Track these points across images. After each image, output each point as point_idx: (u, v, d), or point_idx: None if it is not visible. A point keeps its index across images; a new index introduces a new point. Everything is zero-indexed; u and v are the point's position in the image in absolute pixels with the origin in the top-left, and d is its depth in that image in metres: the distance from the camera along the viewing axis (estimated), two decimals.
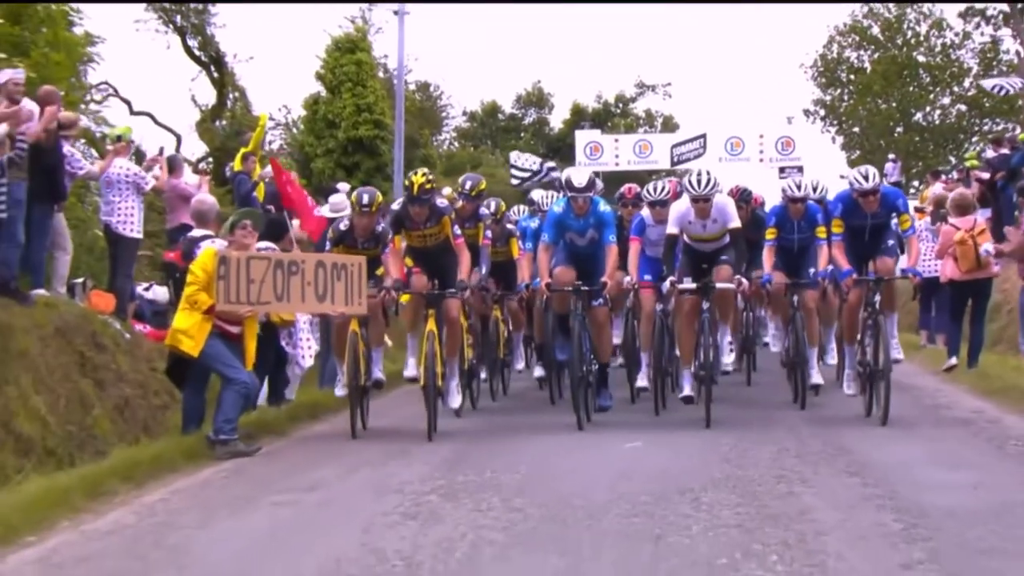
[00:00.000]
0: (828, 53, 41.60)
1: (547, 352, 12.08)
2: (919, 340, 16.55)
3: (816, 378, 11.24)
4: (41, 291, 10.82)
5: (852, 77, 41.36)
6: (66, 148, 11.24)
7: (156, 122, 21.42)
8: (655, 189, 11.77)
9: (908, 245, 10.58)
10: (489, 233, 11.98)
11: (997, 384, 11.40)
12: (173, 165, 13.63)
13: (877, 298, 10.25)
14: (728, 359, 11.09)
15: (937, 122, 40.68)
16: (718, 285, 10.41)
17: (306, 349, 12.24)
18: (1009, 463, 7.92)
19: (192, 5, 24.01)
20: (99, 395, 10.52)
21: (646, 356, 11.46)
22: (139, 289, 12.87)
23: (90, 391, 10.40)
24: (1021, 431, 9.06)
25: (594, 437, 9.64)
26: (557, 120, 47.81)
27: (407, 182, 10.57)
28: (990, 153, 20.46)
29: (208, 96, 27.97)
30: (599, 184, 12.98)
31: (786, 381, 12.08)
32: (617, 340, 12.34)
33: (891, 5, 40.61)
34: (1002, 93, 27.06)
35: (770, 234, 11.35)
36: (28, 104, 10.58)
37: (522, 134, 47.38)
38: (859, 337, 10.58)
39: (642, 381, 11.38)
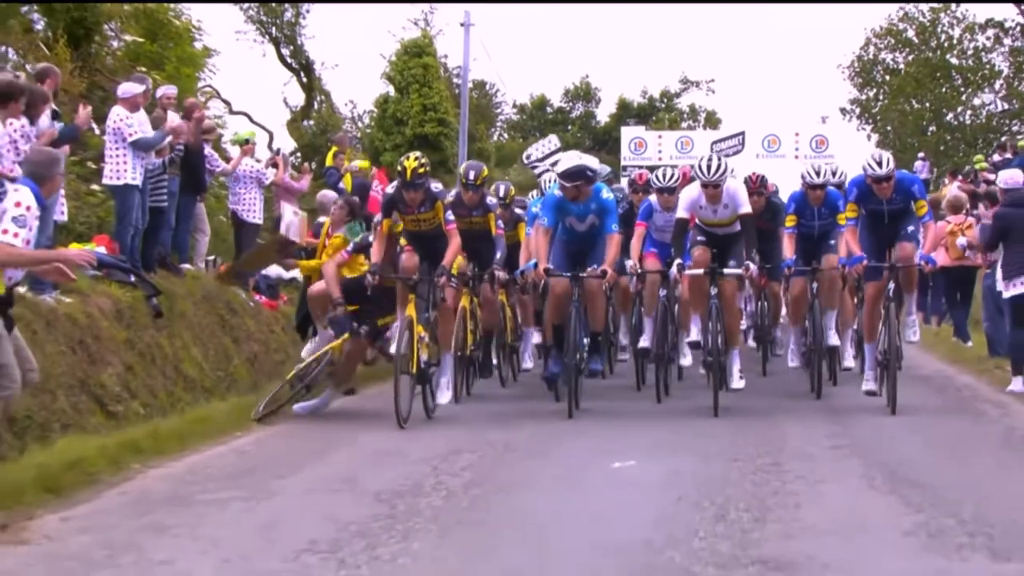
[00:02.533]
0: (864, 54, 43.60)
1: (566, 352, 10.56)
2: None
3: (848, 362, 11.70)
4: (188, 266, 13.44)
5: (887, 78, 43.38)
6: (207, 149, 13.85)
7: (252, 120, 24.09)
8: (663, 176, 11.63)
9: (924, 231, 10.43)
10: (501, 222, 11.78)
11: (953, 351, 13.79)
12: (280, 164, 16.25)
13: (891, 286, 10.19)
14: (737, 383, 10.54)
15: (968, 122, 42.61)
16: (726, 271, 10.40)
17: None
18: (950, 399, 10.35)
19: (286, 19, 26.85)
20: (236, 349, 13.12)
21: (650, 321, 11.52)
22: None
23: (230, 346, 13.01)
24: (967, 382, 11.63)
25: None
26: (604, 114, 48.93)
27: (400, 167, 10.45)
28: (996, 157, 22.70)
29: (297, 98, 30.91)
30: (605, 170, 13.34)
31: (803, 371, 11.94)
32: (624, 340, 12.54)
33: (925, 9, 42.62)
34: None
35: (790, 221, 11.25)
36: (173, 116, 13.16)
37: (569, 127, 48.45)
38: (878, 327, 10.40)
39: (645, 342, 11.52)
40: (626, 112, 46.44)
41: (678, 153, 34.45)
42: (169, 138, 12.32)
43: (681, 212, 10.58)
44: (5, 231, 7.02)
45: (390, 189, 10.81)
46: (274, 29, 27.40)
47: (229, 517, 6.38)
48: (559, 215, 10.63)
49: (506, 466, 7.80)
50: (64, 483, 6.95)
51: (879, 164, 10.17)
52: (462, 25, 27.65)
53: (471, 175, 11.50)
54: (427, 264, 10.54)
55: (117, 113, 11.91)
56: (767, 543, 5.48)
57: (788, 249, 11.07)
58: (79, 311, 10.46)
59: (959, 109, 42.49)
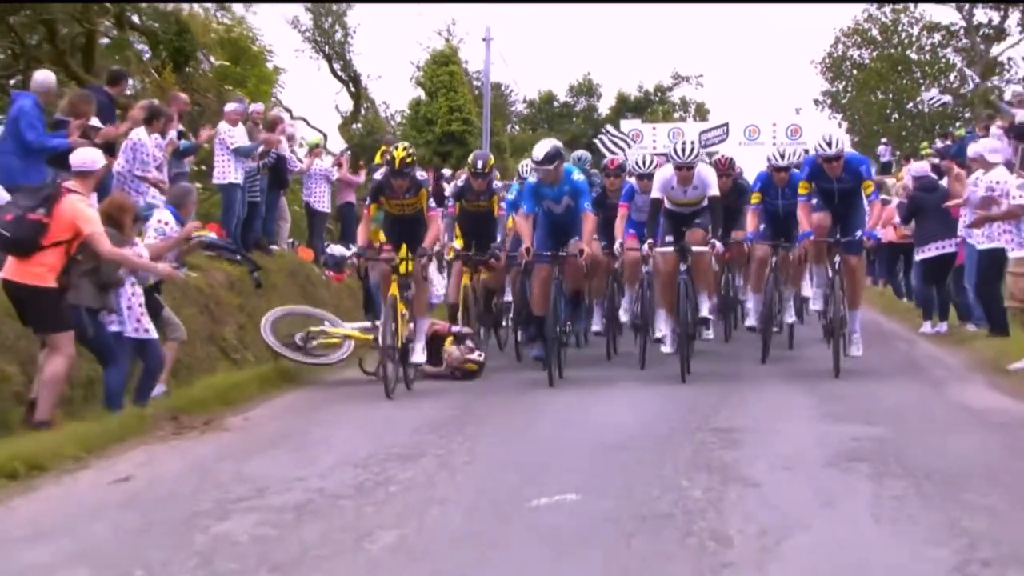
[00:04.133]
0: (834, 51, 45.47)
1: (547, 328, 10.30)
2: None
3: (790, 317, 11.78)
4: (275, 247, 15.55)
5: (855, 72, 45.27)
6: (287, 153, 15.94)
7: (308, 124, 26.37)
8: (643, 162, 11.80)
9: (870, 209, 10.33)
10: (504, 204, 12.10)
11: (888, 306, 15.89)
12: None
13: (837, 259, 10.23)
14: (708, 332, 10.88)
15: (926, 111, 44.44)
16: (694, 248, 10.36)
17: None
18: (875, 336, 12.41)
19: (336, 38, 29.22)
20: None
21: (630, 293, 11.78)
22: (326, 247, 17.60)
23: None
24: (892, 328, 13.71)
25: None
26: (604, 107, 50.07)
27: (389, 156, 10.42)
28: (939, 144, 24.65)
29: (347, 105, 33.92)
30: (578, 154, 13.52)
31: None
32: (598, 327, 12.14)
33: (887, 10, 44.45)
34: (937, 105, 31.06)
35: (755, 198, 11.36)
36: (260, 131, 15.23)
37: (574, 119, 50.01)
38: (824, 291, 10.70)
39: (624, 315, 11.83)
40: (624, 105, 47.85)
41: (670, 142, 36.13)
42: (262, 147, 14.42)
43: (656, 192, 10.59)
44: (144, 239, 9.25)
45: (378, 176, 10.69)
46: (327, 47, 29.75)
47: (359, 412, 8.56)
48: (538, 200, 10.73)
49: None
50: (233, 398, 9.09)
51: (828, 144, 10.11)
52: (484, 40, 29.92)
53: (479, 164, 11.78)
54: (408, 245, 10.21)
55: (222, 127, 14.02)
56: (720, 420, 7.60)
57: (752, 224, 11.24)
58: (203, 283, 12.56)
59: (918, 99, 44.30)
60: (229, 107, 14.30)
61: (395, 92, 56.33)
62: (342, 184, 17.71)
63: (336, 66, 30.74)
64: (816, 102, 45.51)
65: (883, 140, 37.80)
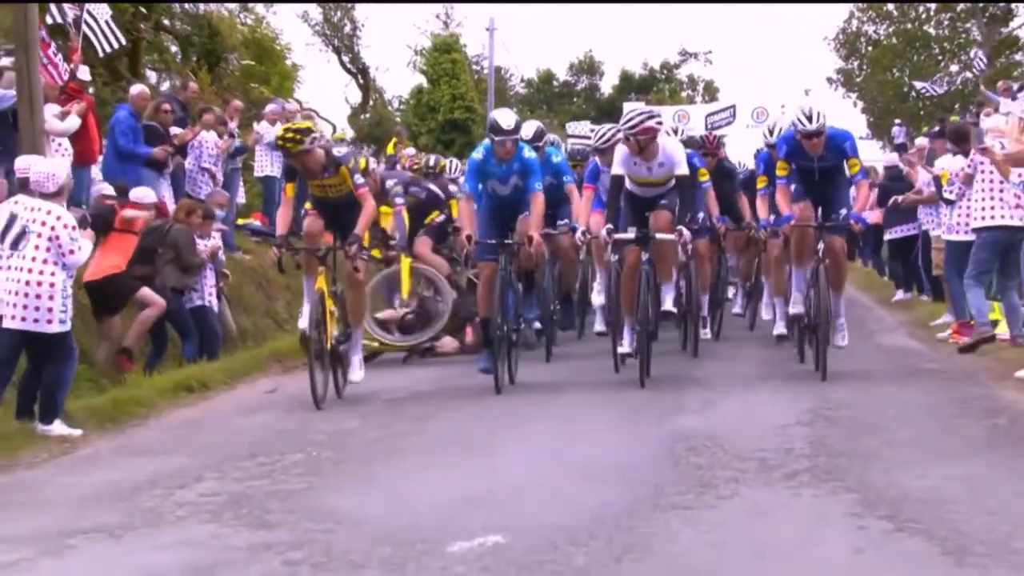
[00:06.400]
0: (848, 27, 49.28)
1: (491, 328, 10.15)
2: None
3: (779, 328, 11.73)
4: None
5: (869, 49, 49.02)
6: None
7: (319, 116, 30.41)
8: (600, 135, 11.70)
9: (857, 190, 10.33)
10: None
11: (867, 282, 19.83)
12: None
13: (821, 246, 10.12)
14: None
15: (939, 92, 48.06)
16: (657, 236, 10.01)
17: None
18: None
19: (345, 32, 33.40)
20: None
21: (603, 273, 11.62)
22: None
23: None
24: (865, 300, 17.54)
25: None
26: (607, 86, 51.09)
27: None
28: (937, 129, 28.50)
29: (356, 96, 38.09)
30: (551, 138, 13.16)
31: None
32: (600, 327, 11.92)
33: None
34: (926, 93, 34.93)
35: (761, 181, 11.01)
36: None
37: (575, 99, 51.06)
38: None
39: (599, 326, 11.74)
40: (628, 84, 49.01)
41: (675, 124, 39.72)
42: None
43: (616, 168, 10.24)
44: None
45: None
46: (336, 40, 33.85)
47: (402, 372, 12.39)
48: (481, 180, 10.48)
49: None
50: (286, 355, 12.89)
51: (809, 119, 9.89)
52: (487, 30, 34.08)
53: (431, 162, 14.53)
54: (338, 233, 10.09)
55: (262, 126, 17.93)
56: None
57: (762, 209, 11.05)
58: (256, 263, 16.51)
59: (935, 77, 48.01)
60: (268, 108, 18.23)
61: (399, 81, 59.99)
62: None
63: (345, 59, 34.99)
64: (829, 80, 49.18)
65: (896, 121, 40.74)
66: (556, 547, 5.31)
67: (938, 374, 10.36)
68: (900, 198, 15.10)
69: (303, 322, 9.87)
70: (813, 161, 10.13)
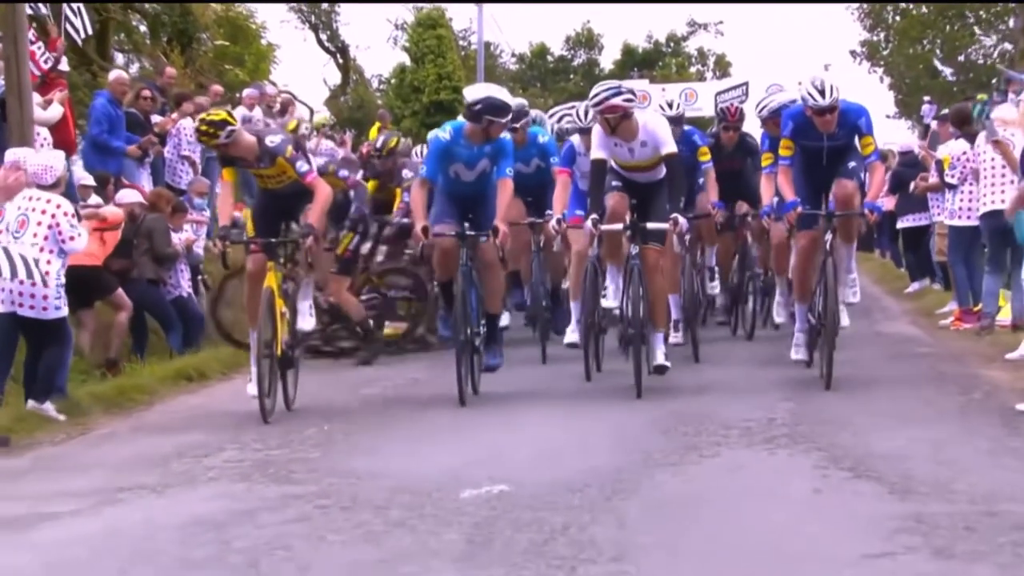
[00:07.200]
0: None
1: (454, 327, 10.46)
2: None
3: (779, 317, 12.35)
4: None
5: (897, 19, 50.39)
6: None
7: (296, 98, 32.02)
8: (584, 114, 11.60)
9: (871, 173, 10.38)
10: (407, 196, 12.75)
11: (881, 272, 21.54)
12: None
13: (829, 237, 10.16)
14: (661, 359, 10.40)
15: (981, 62, 49.55)
16: (649, 226, 10.12)
17: None
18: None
19: (323, 7, 35.06)
20: None
21: (576, 306, 11.47)
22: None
23: None
24: (874, 290, 19.16)
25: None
26: (607, 61, 51.75)
27: None
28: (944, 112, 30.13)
29: (335, 77, 39.54)
30: (535, 115, 13.78)
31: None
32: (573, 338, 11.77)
33: None
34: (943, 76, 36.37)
35: (767, 159, 10.83)
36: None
37: (571, 76, 51.51)
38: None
39: (573, 336, 11.46)
40: (631, 59, 50.09)
41: (683, 104, 40.95)
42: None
43: (596, 152, 10.28)
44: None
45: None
46: (313, 17, 35.47)
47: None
48: (443, 163, 10.40)
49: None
50: None
51: (821, 93, 9.94)
52: (475, 2, 35.67)
53: (379, 143, 14.92)
54: (285, 224, 10.44)
55: (240, 111, 19.54)
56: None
57: (767, 192, 10.78)
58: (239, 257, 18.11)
59: (970, 49, 49.44)
60: (246, 92, 19.89)
61: (381, 60, 61.41)
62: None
63: (323, 36, 36.53)
64: (853, 54, 50.53)
65: (926, 99, 41.25)
66: (555, 493, 6.89)
67: (928, 356, 12.08)
68: (913, 185, 16.75)
69: (252, 388, 9.97)
70: (822, 140, 10.20)
